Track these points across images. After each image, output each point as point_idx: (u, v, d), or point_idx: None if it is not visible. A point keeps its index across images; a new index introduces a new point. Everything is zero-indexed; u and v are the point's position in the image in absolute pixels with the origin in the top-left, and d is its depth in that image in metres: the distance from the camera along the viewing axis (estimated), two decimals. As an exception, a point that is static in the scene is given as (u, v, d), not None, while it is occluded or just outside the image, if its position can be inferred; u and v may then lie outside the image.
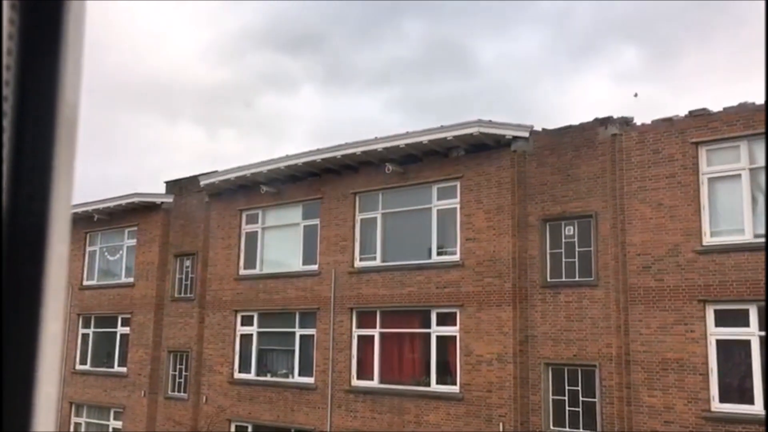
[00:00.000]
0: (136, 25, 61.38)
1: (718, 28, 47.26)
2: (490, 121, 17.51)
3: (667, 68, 50.56)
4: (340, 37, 64.73)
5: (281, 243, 22.64)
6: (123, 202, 25.65)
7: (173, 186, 25.79)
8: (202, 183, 23.67)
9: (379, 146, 18.94)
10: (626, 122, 16.38)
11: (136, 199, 25.45)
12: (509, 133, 17.55)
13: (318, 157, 20.31)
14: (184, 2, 60.26)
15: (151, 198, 25.59)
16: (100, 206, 26.09)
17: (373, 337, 19.72)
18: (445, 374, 18.29)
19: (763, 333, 14.00)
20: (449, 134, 17.80)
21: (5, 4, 0.92)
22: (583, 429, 15.92)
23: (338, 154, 19.91)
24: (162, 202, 25.52)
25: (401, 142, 18.57)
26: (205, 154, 62.80)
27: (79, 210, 25.65)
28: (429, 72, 61.85)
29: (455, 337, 18.06)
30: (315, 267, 21.10)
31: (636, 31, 52.06)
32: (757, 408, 13.91)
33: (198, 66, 62.57)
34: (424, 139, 18.12)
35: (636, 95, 43.44)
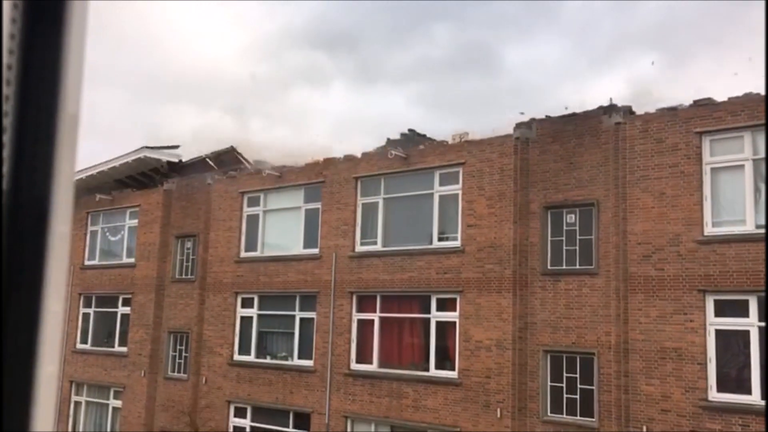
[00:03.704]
0: (182, 25, 64.91)
1: (731, 35, 48.69)
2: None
3: (683, 74, 52.27)
4: (374, 38, 69.23)
5: (282, 226, 22.66)
6: (130, 159, 25.59)
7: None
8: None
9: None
10: (630, 111, 16.34)
11: (143, 154, 25.36)
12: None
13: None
14: (231, 4, 63.16)
15: (158, 155, 25.46)
16: (106, 167, 26.07)
17: (372, 321, 19.78)
18: (444, 359, 18.36)
19: (762, 324, 14.02)
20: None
21: (6, 4, 0.92)
22: (580, 416, 16.00)
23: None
24: (168, 161, 25.41)
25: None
26: (233, 142, 65.43)
27: (84, 175, 25.67)
28: (454, 71, 65.51)
29: (455, 322, 18.11)
30: (316, 250, 21.13)
31: (654, 40, 54.25)
32: (754, 398, 13.96)
33: (238, 62, 66.90)
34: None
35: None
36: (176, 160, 25.30)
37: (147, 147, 25.36)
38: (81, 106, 1.03)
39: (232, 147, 26.20)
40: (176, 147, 25.30)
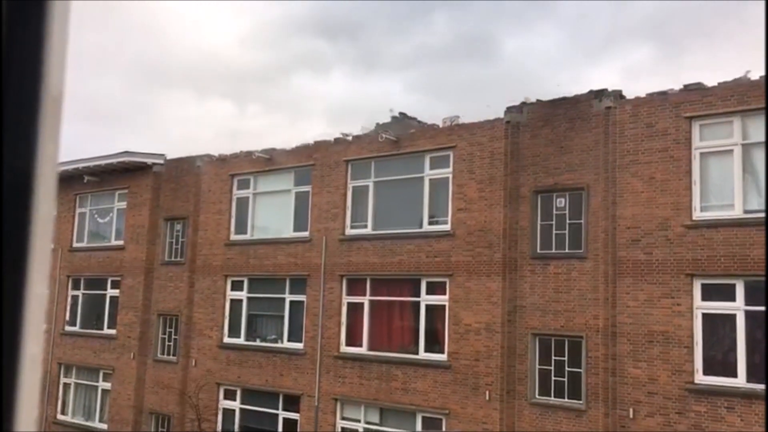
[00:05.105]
0: (184, 12, 65.75)
1: (723, 29, 49.47)
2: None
3: (676, 65, 53.05)
4: (374, 26, 69.79)
5: (272, 209, 22.62)
6: (114, 160, 25.44)
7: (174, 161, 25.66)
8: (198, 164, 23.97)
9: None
10: (620, 95, 16.35)
11: (126, 158, 25.24)
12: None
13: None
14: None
15: (141, 158, 25.35)
16: (90, 164, 25.89)
17: (362, 304, 19.82)
18: (434, 342, 18.44)
19: (749, 308, 14.14)
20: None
21: None
22: (568, 398, 16.13)
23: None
24: (153, 164, 25.31)
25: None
26: (230, 127, 66.44)
27: (70, 168, 25.47)
28: (452, 59, 66.71)
29: (444, 306, 18.17)
30: (306, 234, 21.12)
31: (648, 32, 55.15)
32: (739, 381, 14.11)
33: (241, 49, 67.95)
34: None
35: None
36: (161, 161, 25.19)
37: (128, 152, 25.21)
38: (64, 87, 1.02)
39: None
40: (161, 155, 25.20)
